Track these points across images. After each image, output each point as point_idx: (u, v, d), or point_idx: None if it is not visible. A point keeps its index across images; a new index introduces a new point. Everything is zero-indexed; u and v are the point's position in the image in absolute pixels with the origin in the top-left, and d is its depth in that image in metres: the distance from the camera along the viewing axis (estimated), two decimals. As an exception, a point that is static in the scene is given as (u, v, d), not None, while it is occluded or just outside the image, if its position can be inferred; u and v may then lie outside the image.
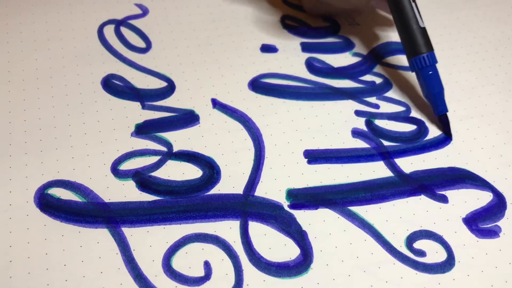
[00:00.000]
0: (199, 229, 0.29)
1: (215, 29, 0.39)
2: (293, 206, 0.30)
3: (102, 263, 0.27)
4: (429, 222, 0.30)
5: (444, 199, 0.31)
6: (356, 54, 0.39)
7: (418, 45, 0.34)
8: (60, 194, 0.29)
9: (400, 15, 0.35)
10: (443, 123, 0.34)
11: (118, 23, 0.39)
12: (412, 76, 0.38)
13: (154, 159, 0.31)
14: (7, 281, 0.26)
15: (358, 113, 0.35)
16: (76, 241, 0.28)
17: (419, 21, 0.34)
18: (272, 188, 0.31)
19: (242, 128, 0.33)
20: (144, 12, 0.40)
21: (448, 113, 0.34)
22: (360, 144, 0.33)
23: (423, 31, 0.34)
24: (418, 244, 0.29)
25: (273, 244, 0.29)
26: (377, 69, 0.38)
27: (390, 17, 0.42)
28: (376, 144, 0.33)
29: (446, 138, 0.34)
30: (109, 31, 0.38)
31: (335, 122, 0.34)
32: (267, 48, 0.38)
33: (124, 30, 0.38)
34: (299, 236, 0.29)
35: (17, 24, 0.38)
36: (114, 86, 0.35)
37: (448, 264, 0.28)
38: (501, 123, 0.35)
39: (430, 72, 0.34)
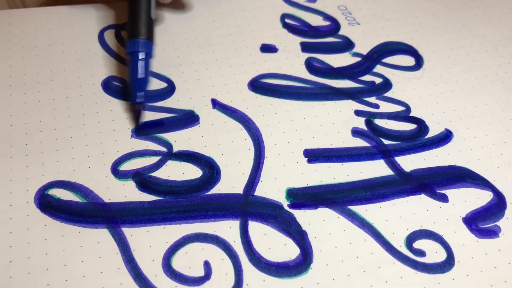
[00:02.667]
0: (199, 229, 0.29)
1: (215, 29, 0.39)
2: (293, 205, 0.30)
3: (102, 263, 0.27)
4: (429, 221, 0.30)
5: (444, 198, 0.31)
6: (356, 54, 0.39)
7: (140, 31, 0.34)
8: (60, 195, 0.29)
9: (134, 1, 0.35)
10: (135, 112, 0.33)
11: (118, 28, 0.39)
12: (412, 76, 0.38)
13: (154, 159, 0.31)
14: (7, 281, 0.26)
15: (358, 113, 0.35)
16: (76, 241, 0.28)
17: (151, 13, 0.35)
18: (272, 188, 0.31)
19: (242, 128, 0.33)
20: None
21: (141, 105, 0.33)
22: (360, 143, 0.33)
23: (150, 22, 0.35)
24: (418, 244, 0.29)
25: (273, 244, 0.29)
26: (377, 69, 0.38)
27: (390, 17, 0.42)
28: (376, 142, 0.33)
29: (447, 136, 0.34)
30: (109, 35, 0.38)
31: (335, 122, 0.34)
32: (267, 48, 0.38)
33: (124, 34, 0.39)
34: (299, 236, 0.29)
35: (19, 32, 0.38)
36: (114, 88, 0.35)
37: (447, 264, 0.28)
38: (502, 122, 0.35)
39: (141, 58, 0.34)
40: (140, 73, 0.33)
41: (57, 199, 0.29)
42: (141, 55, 0.34)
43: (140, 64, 0.34)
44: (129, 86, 0.34)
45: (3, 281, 0.26)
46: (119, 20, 0.40)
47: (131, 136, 0.32)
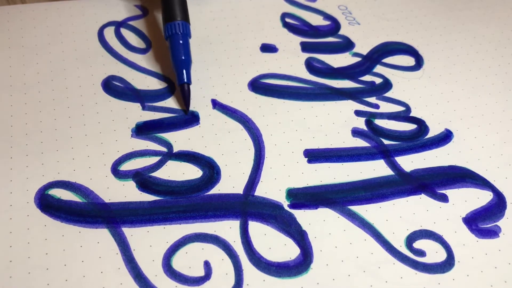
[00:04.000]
0: (199, 229, 0.29)
1: (215, 28, 0.39)
2: (293, 205, 0.30)
3: (102, 263, 0.27)
4: (429, 221, 0.30)
5: (444, 198, 0.31)
6: (356, 54, 0.39)
7: (174, 13, 0.35)
8: (60, 195, 0.29)
9: None
10: (183, 94, 0.34)
11: (118, 25, 0.39)
12: (412, 76, 0.38)
13: (154, 159, 0.31)
14: (7, 281, 0.26)
15: (358, 113, 0.35)
16: (76, 241, 0.28)
17: None
18: (272, 188, 0.31)
19: (242, 128, 0.33)
20: (144, 12, 0.40)
21: (188, 86, 0.34)
22: (360, 143, 0.33)
23: (184, 3, 0.36)
24: (418, 244, 0.29)
25: (273, 244, 0.29)
26: (377, 69, 0.38)
27: (391, 17, 0.42)
28: (376, 143, 0.33)
29: (447, 136, 0.34)
30: (109, 32, 0.38)
31: (335, 122, 0.34)
32: (267, 48, 0.38)
33: (124, 31, 0.39)
34: (299, 236, 0.29)
35: (18, 29, 0.38)
36: (114, 88, 0.35)
37: (447, 264, 0.28)
38: (502, 122, 0.35)
39: (181, 41, 0.35)
40: (183, 54, 0.34)
41: (57, 199, 0.29)
42: (180, 37, 0.34)
43: (181, 46, 0.34)
44: (173, 69, 0.34)
45: (3, 281, 0.26)
46: (118, 16, 0.39)
47: (131, 136, 0.32)
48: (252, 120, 0.34)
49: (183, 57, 0.34)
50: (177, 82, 0.34)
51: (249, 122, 0.34)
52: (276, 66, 0.37)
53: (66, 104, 0.34)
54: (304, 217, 0.30)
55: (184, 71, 0.34)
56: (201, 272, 0.27)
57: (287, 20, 0.41)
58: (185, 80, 0.34)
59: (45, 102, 0.34)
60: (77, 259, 0.27)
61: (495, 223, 0.30)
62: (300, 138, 0.33)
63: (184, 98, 0.34)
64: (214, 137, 0.33)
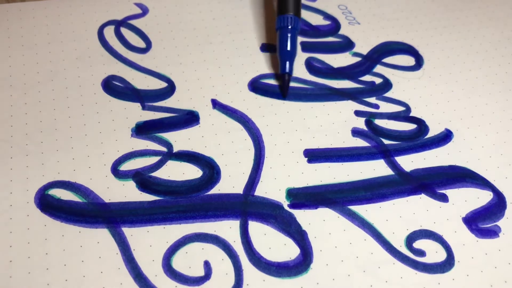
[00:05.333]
0: (199, 229, 0.29)
1: (215, 27, 0.39)
2: (293, 205, 0.30)
3: (102, 263, 0.27)
4: (429, 221, 0.30)
5: (444, 198, 0.31)
6: (356, 54, 0.39)
7: (288, 7, 0.37)
8: (60, 195, 0.29)
9: None
10: (283, 83, 0.36)
11: (118, 24, 0.39)
12: (412, 76, 0.38)
13: (154, 159, 0.31)
14: (7, 281, 0.26)
15: (358, 113, 0.35)
16: (76, 241, 0.28)
17: None
18: (272, 188, 0.31)
19: (242, 129, 0.33)
20: (144, 11, 0.40)
21: (291, 76, 0.36)
22: (360, 143, 0.33)
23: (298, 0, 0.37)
24: (418, 244, 0.29)
25: (273, 244, 0.29)
26: (377, 69, 0.38)
27: (391, 17, 0.42)
28: (377, 142, 0.33)
29: (447, 136, 0.34)
30: (109, 32, 0.38)
31: (335, 122, 0.34)
32: (267, 47, 0.38)
33: (124, 31, 0.39)
34: (299, 236, 0.29)
35: (18, 28, 0.38)
36: (114, 88, 0.35)
37: (447, 264, 0.28)
38: (502, 122, 0.35)
39: (289, 34, 0.36)
40: (289, 46, 0.36)
41: (57, 199, 0.29)
42: (289, 30, 0.36)
43: (289, 38, 0.36)
44: (278, 58, 0.36)
45: (3, 281, 0.26)
46: (118, 15, 0.39)
47: (131, 136, 0.32)
48: (252, 120, 0.34)
49: (288, 49, 0.36)
50: (279, 71, 0.36)
51: (249, 122, 0.34)
52: (276, 66, 0.37)
53: (66, 104, 0.34)
54: (304, 217, 0.30)
55: (287, 62, 0.36)
56: (201, 272, 0.27)
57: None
58: (287, 70, 0.36)
59: (45, 102, 0.34)
60: (77, 259, 0.27)
61: (495, 223, 0.30)
62: (300, 138, 0.33)
63: (283, 87, 0.35)
64: (214, 137, 0.33)
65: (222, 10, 0.41)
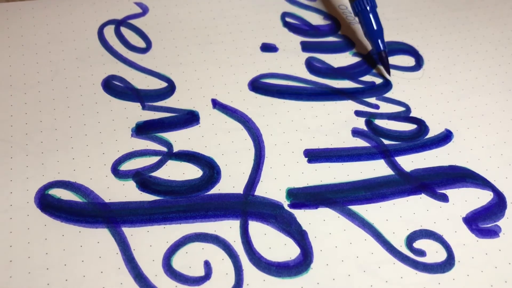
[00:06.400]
0: (199, 229, 0.29)
1: (215, 27, 0.39)
2: (293, 205, 0.30)
3: (102, 263, 0.27)
4: (429, 221, 0.30)
5: (444, 198, 0.31)
6: (356, 54, 0.39)
7: None
8: (60, 195, 0.29)
9: None
10: (382, 61, 0.37)
11: (118, 23, 0.39)
12: (412, 77, 0.38)
13: (155, 159, 0.31)
14: (7, 281, 0.26)
15: (358, 113, 0.35)
16: (76, 241, 0.28)
17: None
18: (272, 188, 0.31)
19: (242, 128, 0.33)
20: (144, 10, 0.40)
21: (386, 52, 0.37)
22: (360, 143, 0.33)
23: None
24: (418, 244, 0.29)
25: (273, 243, 0.29)
26: (377, 69, 0.38)
27: (391, 17, 0.42)
28: (377, 142, 0.33)
29: (447, 136, 0.34)
30: (109, 31, 0.38)
31: (335, 122, 0.34)
32: (267, 47, 0.38)
33: (124, 30, 0.38)
34: (299, 236, 0.29)
35: (18, 28, 0.38)
36: (114, 87, 0.35)
37: (448, 264, 0.28)
38: (502, 122, 0.35)
39: (371, 15, 0.37)
40: (374, 26, 0.37)
41: (57, 199, 0.29)
42: (369, 11, 0.37)
43: (372, 18, 0.37)
44: (369, 40, 0.38)
45: (3, 281, 0.26)
46: (118, 14, 0.39)
47: (131, 136, 0.32)
48: (252, 120, 0.34)
49: (375, 28, 0.37)
50: (374, 51, 0.37)
51: (249, 122, 0.34)
52: (276, 66, 0.37)
53: (66, 104, 0.34)
54: (304, 217, 0.30)
55: (379, 40, 0.37)
56: (201, 272, 0.27)
57: (288, 19, 0.41)
58: (382, 48, 0.37)
59: (45, 102, 0.34)
60: (77, 259, 0.27)
61: (495, 223, 0.30)
62: (300, 138, 0.33)
63: (384, 64, 0.37)
64: (214, 137, 0.33)
65: (222, 10, 0.41)
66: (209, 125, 0.33)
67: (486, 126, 0.35)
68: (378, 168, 0.32)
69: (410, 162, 0.33)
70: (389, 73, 0.37)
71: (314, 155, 0.32)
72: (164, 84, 0.35)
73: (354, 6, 0.38)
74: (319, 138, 0.33)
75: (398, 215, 0.30)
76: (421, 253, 0.29)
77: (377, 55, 0.37)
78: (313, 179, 0.31)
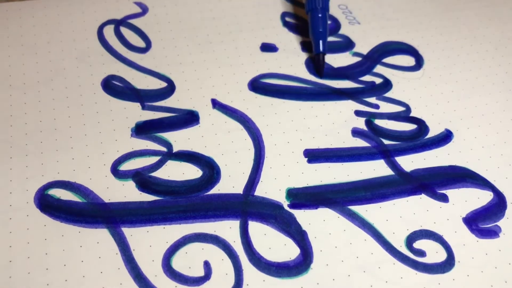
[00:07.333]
0: (199, 229, 0.29)
1: (215, 27, 0.39)
2: (293, 205, 0.30)
3: (102, 263, 0.27)
4: (429, 221, 0.30)
5: (444, 198, 0.31)
6: (356, 54, 0.39)
7: None
8: (60, 195, 0.29)
9: None
10: (317, 63, 0.37)
11: (118, 23, 0.39)
12: (412, 76, 0.38)
13: (154, 159, 0.31)
14: (7, 281, 0.26)
15: (358, 113, 0.35)
16: (76, 241, 0.28)
17: None
18: (272, 188, 0.31)
19: (242, 128, 0.33)
20: (144, 10, 0.40)
21: (325, 55, 0.37)
22: (360, 143, 0.33)
23: None
24: (418, 244, 0.29)
25: (273, 244, 0.29)
26: (377, 69, 0.38)
27: (391, 17, 0.42)
28: (377, 142, 0.33)
29: (447, 136, 0.34)
30: (109, 31, 0.38)
31: (335, 122, 0.34)
32: (267, 47, 0.38)
33: (123, 30, 0.38)
34: (299, 236, 0.29)
35: (17, 28, 0.38)
36: (114, 87, 0.35)
37: (448, 264, 0.28)
38: (502, 122, 0.35)
39: (320, 15, 0.37)
40: (320, 27, 0.37)
41: (57, 199, 0.29)
42: (319, 11, 0.38)
43: (319, 19, 0.37)
44: (312, 40, 0.37)
45: (3, 281, 0.26)
46: (118, 14, 0.39)
47: (131, 136, 0.32)
48: (252, 120, 0.34)
49: (320, 30, 0.37)
50: (313, 51, 0.37)
51: (249, 122, 0.34)
52: (276, 66, 0.37)
53: (66, 104, 0.34)
54: (304, 217, 0.30)
55: (321, 41, 0.37)
56: (201, 272, 0.27)
57: (287, 19, 0.41)
58: (321, 50, 0.37)
59: (45, 102, 0.34)
60: (77, 259, 0.27)
61: (495, 223, 0.30)
62: (300, 138, 0.33)
63: (319, 66, 0.37)
64: (214, 137, 0.33)
65: (222, 10, 0.41)
66: (209, 125, 0.33)
67: (486, 126, 0.35)
68: (378, 168, 0.32)
69: (410, 162, 0.33)
70: (321, 76, 0.37)
71: (314, 155, 0.32)
72: (164, 84, 0.35)
73: (307, 3, 0.38)
74: (319, 138, 0.33)
75: (398, 215, 0.30)
76: (421, 253, 0.29)
77: (315, 55, 0.37)
78: (313, 179, 0.31)
